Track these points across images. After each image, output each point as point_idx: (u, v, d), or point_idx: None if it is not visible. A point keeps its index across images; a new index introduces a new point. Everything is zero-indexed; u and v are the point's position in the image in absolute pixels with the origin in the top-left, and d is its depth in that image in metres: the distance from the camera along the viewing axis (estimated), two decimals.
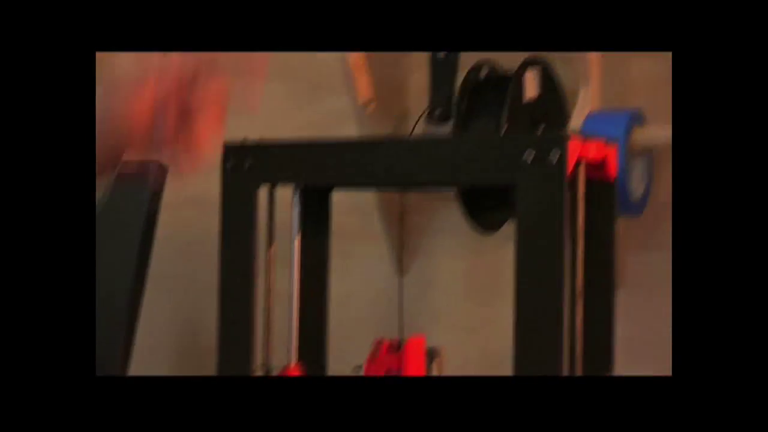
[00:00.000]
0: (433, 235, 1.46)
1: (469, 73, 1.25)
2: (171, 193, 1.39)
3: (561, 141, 0.83)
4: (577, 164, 0.86)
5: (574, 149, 0.84)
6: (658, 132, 1.15)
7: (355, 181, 1.07)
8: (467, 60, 1.41)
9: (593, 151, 0.90)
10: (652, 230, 1.24)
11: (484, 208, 1.22)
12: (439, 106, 1.38)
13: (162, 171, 1.33)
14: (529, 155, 0.84)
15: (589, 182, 0.90)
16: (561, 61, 1.29)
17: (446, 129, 1.38)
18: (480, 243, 1.36)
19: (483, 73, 1.27)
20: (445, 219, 1.42)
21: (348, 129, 1.49)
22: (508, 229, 1.20)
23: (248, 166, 1.02)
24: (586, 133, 1.11)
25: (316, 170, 1.00)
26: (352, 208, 1.40)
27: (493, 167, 0.87)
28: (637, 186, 1.16)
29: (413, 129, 1.32)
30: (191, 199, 1.50)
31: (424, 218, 1.46)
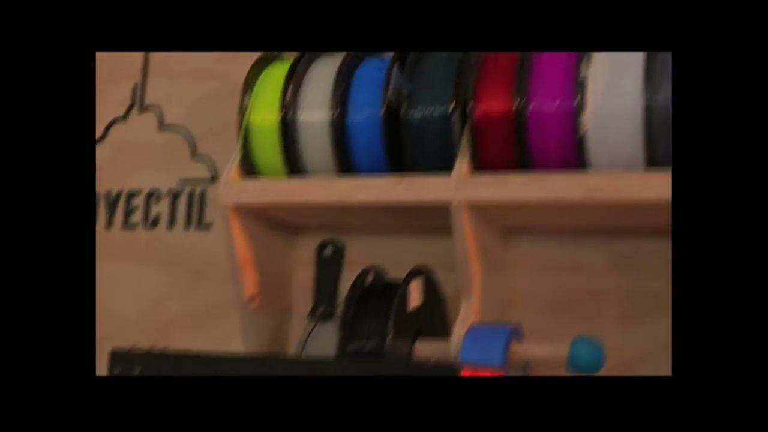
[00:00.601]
0: None
1: (356, 279, 1.28)
2: None
3: (455, 371, 0.86)
4: None
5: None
6: (535, 349, 1.19)
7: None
8: (352, 257, 1.45)
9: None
10: None
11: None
12: (322, 304, 1.40)
13: None
14: None
15: None
16: (444, 271, 1.34)
17: (329, 327, 1.40)
18: None
19: (369, 279, 1.30)
20: None
21: (229, 321, 1.49)
22: None
23: (136, 374, 1.01)
24: (467, 348, 1.15)
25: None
26: None
27: None
28: None
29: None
30: None
31: None
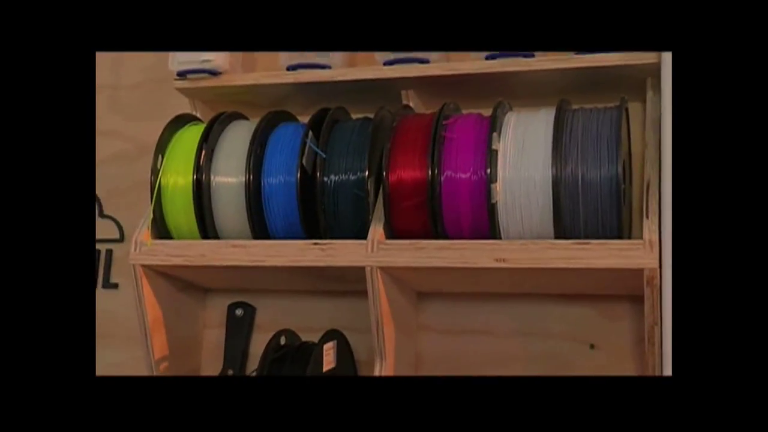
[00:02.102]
0: None
1: (269, 342, 1.29)
2: None
3: None
4: None
5: None
6: None
7: None
8: (261, 319, 1.46)
9: None
10: None
11: None
12: (232, 367, 1.40)
13: None
14: None
15: None
16: (355, 333, 1.36)
17: None
18: None
19: (281, 341, 1.31)
20: None
21: None
22: None
23: None
24: None
25: None
26: None
27: None
28: None
29: None
30: None
31: None
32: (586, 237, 1.16)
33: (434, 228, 1.23)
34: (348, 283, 1.35)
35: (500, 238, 1.20)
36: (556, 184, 1.16)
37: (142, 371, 1.38)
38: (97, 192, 1.60)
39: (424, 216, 1.23)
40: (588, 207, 1.15)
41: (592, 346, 1.31)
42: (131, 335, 1.46)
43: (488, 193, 1.18)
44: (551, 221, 1.17)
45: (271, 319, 1.45)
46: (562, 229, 1.17)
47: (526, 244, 1.17)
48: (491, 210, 1.19)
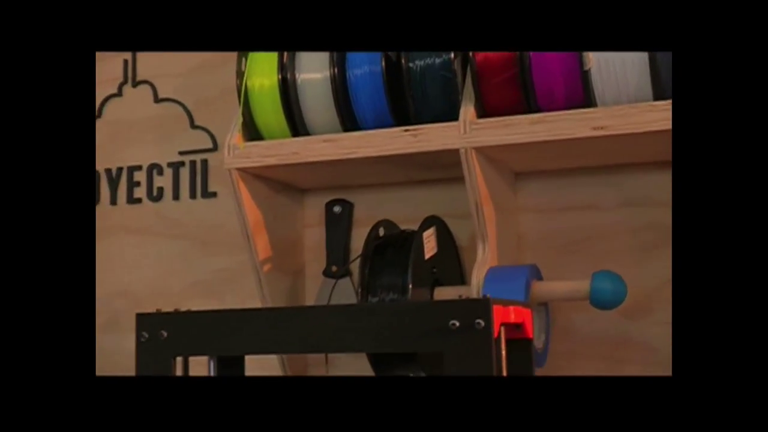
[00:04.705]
0: None
1: (369, 234, 1.28)
2: None
3: (486, 308, 0.87)
4: (500, 328, 0.90)
5: (497, 315, 0.88)
6: (554, 286, 1.21)
7: (277, 350, 1.08)
8: (359, 215, 1.46)
9: (513, 315, 0.94)
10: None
11: (391, 365, 1.24)
12: (335, 263, 1.41)
13: None
14: (455, 323, 0.87)
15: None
16: (452, 220, 1.35)
17: (346, 285, 1.41)
18: None
19: (381, 232, 1.31)
20: (350, 372, 1.42)
21: (241, 287, 1.49)
22: None
23: (163, 337, 1.01)
24: (488, 289, 1.16)
25: (233, 342, 1.00)
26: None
27: (420, 335, 0.89)
28: (538, 339, 1.21)
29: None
30: None
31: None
32: None
33: (526, 102, 1.19)
34: (442, 170, 1.33)
35: (596, 106, 1.16)
36: None
37: (248, 275, 1.40)
38: (184, 103, 1.61)
39: (515, 91, 1.19)
40: None
41: None
42: (234, 241, 1.48)
43: (581, 60, 1.14)
44: (649, 83, 1.12)
45: (369, 213, 1.45)
46: (662, 90, 1.12)
47: (624, 109, 1.13)
48: (585, 77, 1.15)
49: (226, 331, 1.00)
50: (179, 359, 1.02)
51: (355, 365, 1.40)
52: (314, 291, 1.45)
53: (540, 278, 1.23)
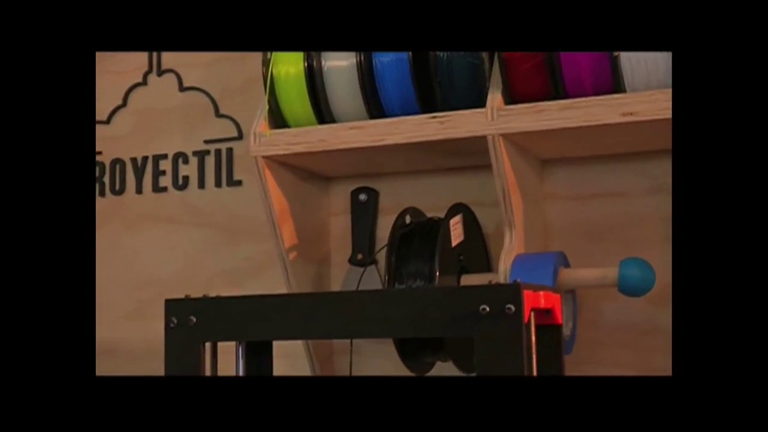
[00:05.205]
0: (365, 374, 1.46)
1: (396, 221, 1.28)
2: None
3: (516, 293, 0.86)
4: (530, 313, 0.89)
5: (527, 300, 0.88)
6: (582, 273, 1.20)
7: (306, 335, 1.08)
8: (384, 202, 1.45)
9: (542, 300, 0.93)
10: (579, 365, 1.28)
11: (418, 352, 1.24)
12: (361, 252, 1.41)
13: None
14: (485, 308, 0.87)
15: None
16: (478, 207, 1.34)
17: (372, 272, 1.41)
18: None
19: (407, 220, 1.30)
20: (375, 359, 1.42)
21: (267, 275, 1.50)
22: None
23: (192, 323, 1.01)
24: (516, 275, 1.16)
25: (262, 328, 1.00)
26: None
27: (450, 321, 0.89)
28: (565, 326, 1.20)
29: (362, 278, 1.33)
30: None
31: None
32: None
33: (555, 88, 1.18)
34: (469, 157, 1.33)
35: (625, 92, 1.15)
36: None
37: (273, 263, 1.40)
38: (209, 91, 1.61)
39: (543, 77, 1.18)
40: None
41: None
42: (259, 230, 1.48)
43: None
44: None
45: (395, 201, 1.45)
46: None
47: (654, 94, 1.12)
48: (614, 63, 1.14)
49: (255, 316, 1.00)
50: (208, 345, 1.03)
51: (380, 352, 1.40)
52: (340, 279, 1.45)
53: (567, 266, 1.22)
